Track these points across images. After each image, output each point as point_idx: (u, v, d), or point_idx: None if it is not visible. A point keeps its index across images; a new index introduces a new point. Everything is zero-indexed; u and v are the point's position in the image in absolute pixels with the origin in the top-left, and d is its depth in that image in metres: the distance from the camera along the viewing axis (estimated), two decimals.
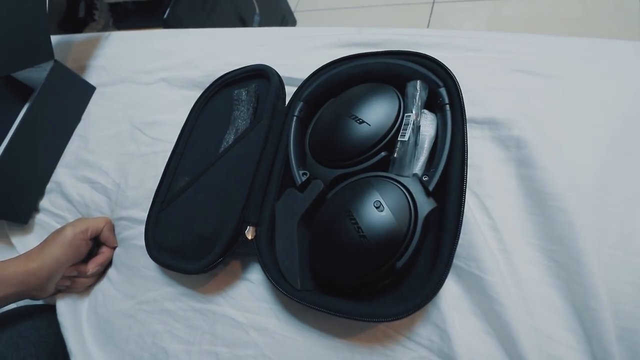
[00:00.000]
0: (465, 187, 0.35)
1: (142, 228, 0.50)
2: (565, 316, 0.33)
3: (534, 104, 0.41)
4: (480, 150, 0.41)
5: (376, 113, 0.39)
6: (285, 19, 1.59)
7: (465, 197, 0.35)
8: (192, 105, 0.57)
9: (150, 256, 0.47)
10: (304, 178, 0.42)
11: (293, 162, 0.43)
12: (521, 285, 0.35)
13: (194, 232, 0.45)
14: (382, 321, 0.34)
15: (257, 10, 1.38)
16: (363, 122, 0.39)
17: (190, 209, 0.47)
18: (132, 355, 0.45)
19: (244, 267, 0.45)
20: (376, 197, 0.35)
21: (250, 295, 0.43)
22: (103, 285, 0.52)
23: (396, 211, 0.35)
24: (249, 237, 0.42)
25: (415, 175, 0.37)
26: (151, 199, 0.50)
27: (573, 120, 0.39)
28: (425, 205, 0.35)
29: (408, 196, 0.35)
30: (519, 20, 1.24)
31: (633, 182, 0.36)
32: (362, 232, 0.34)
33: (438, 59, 0.41)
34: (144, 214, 0.51)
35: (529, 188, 0.37)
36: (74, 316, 0.50)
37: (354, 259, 0.35)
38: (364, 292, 0.37)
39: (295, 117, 0.45)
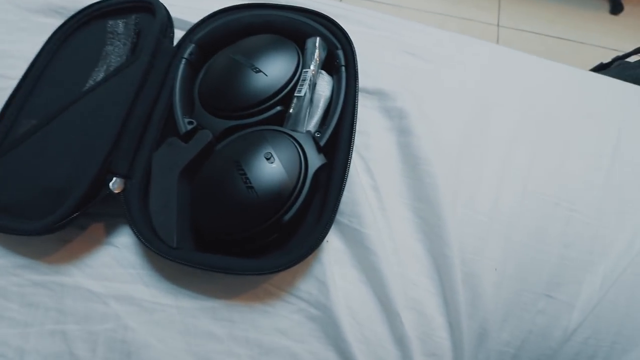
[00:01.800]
0: (353, 145, 0.36)
1: None
2: (426, 265, 0.38)
3: (415, 81, 0.46)
4: (369, 119, 0.44)
5: (275, 64, 0.38)
6: None
7: (352, 154, 0.36)
8: (48, 36, 0.46)
9: None
10: (189, 127, 0.38)
11: (178, 108, 0.38)
12: (394, 238, 0.39)
13: (39, 184, 0.37)
14: (264, 273, 0.34)
15: None
16: (260, 71, 0.37)
17: (35, 157, 0.38)
18: None
19: (108, 230, 0.39)
20: (267, 148, 0.34)
21: (112, 262, 0.37)
22: None
23: (287, 164, 0.34)
24: (116, 190, 0.36)
25: (308, 131, 0.37)
26: None
27: (443, 99, 0.46)
28: (315, 160, 0.36)
29: (300, 150, 0.35)
30: None
31: (480, 154, 0.43)
32: (250, 183, 0.33)
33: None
34: None
35: (406, 154, 0.42)
36: None
37: (240, 212, 0.33)
38: (249, 249, 0.35)
39: (184, 60, 0.41)
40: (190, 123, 0.38)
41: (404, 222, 0.40)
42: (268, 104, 0.38)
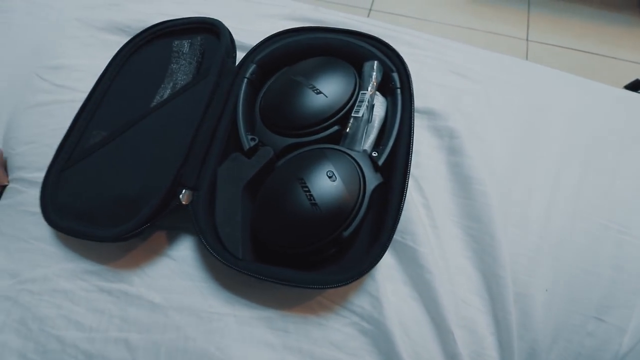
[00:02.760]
0: (410, 166, 0.38)
1: (34, 191, 0.41)
2: (476, 283, 0.39)
3: (465, 102, 0.47)
4: (420, 137, 0.45)
5: (334, 86, 0.40)
6: None
7: (409, 175, 0.37)
8: (114, 52, 0.49)
9: (47, 221, 0.38)
10: (252, 143, 0.40)
11: (241, 125, 0.41)
12: (445, 256, 0.39)
13: (113, 193, 0.39)
14: (326, 288, 0.35)
15: None
16: (320, 92, 0.39)
17: (108, 167, 0.40)
18: (8, 347, 0.36)
19: (166, 242, 0.41)
20: (329, 166, 0.36)
21: (171, 274, 0.39)
22: None
23: (347, 182, 0.36)
24: (184, 201, 0.38)
25: (365, 151, 0.39)
26: (50, 158, 0.42)
27: (493, 120, 0.47)
28: (373, 179, 0.37)
29: (358, 169, 0.37)
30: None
31: (531, 174, 0.44)
32: (314, 199, 0.34)
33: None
34: (38, 175, 0.42)
35: (457, 173, 0.43)
36: None
37: (304, 227, 0.35)
38: (307, 262, 0.37)
39: (246, 79, 0.43)
40: (252, 140, 0.40)
41: (455, 240, 0.40)
42: (327, 123, 0.39)
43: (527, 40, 1.45)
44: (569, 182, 0.44)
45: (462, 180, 0.42)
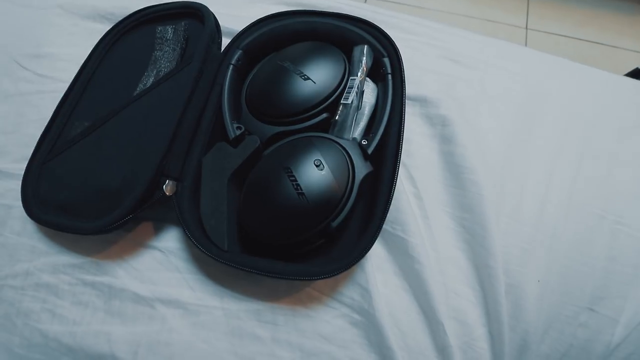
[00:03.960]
0: (401, 155, 0.37)
1: (14, 183, 0.40)
2: (467, 274, 0.38)
3: (458, 89, 0.46)
4: (411, 125, 0.44)
5: (322, 72, 0.38)
6: None
7: (399, 164, 0.36)
8: (97, 40, 0.47)
9: (28, 214, 0.37)
10: (238, 132, 0.39)
11: (227, 113, 0.39)
12: (436, 247, 0.39)
13: (95, 184, 0.38)
14: (314, 279, 0.34)
15: None
16: (308, 78, 0.38)
17: (90, 158, 0.39)
18: None
19: (151, 234, 0.40)
20: (317, 155, 0.35)
21: (158, 266, 0.38)
22: None
23: (336, 171, 0.35)
24: (168, 192, 0.37)
25: (354, 139, 0.38)
26: (30, 149, 0.40)
27: (487, 107, 0.45)
28: (362, 168, 0.36)
29: (347, 158, 0.36)
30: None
31: (525, 164, 0.43)
32: (301, 189, 0.33)
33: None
34: (17, 166, 0.41)
35: (449, 162, 0.42)
36: None
37: (291, 217, 0.34)
38: (295, 253, 0.36)
39: (231, 66, 0.41)
40: (239, 128, 0.39)
41: (447, 230, 0.40)
42: (315, 110, 0.38)
43: (526, 28, 1.42)
44: (564, 171, 0.43)
45: (454, 169, 0.41)
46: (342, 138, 0.37)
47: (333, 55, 0.40)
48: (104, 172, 0.38)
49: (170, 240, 0.39)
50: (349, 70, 0.40)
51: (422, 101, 0.45)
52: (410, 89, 0.45)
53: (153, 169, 0.36)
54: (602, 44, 1.40)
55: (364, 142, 0.37)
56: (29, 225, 0.40)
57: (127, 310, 0.37)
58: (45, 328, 0.36)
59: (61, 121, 0.42)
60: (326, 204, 0.34)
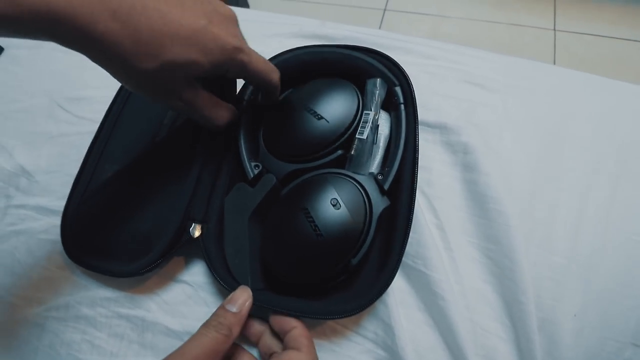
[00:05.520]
0: (416, 187, 0.36)
1: (54, 220, 0.42)
2: (496, 309, 0.37)
3: (480, 114, 0.44)
4: (431, 153, 0.43)
5: (335, 110, 0.39)
6: None
7: (415, 197, 0.36)
8: None
9: (68, 255, 0.40)
10: (255, 171, 0.39)
11: (244, 153, 0.40)
12: (461, 281, 0.37)
13: (127, 229, 0.40)
14: (336, 318, 0.34)
15: None
16: (322, 118, 0.38)
17: (120, 203, 0.42)
18: None
19: (181, 268, 0.41)
20: (333, 194, 0.35)
21: (187, 300, 0.40)
22: None
23: (352, 209, 0.35)
24: (195, 235, 0.38)
25: (370, 173, 0.37)
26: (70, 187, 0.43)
27: (511, 133, 0.43)
28: (379, 203, 0.36)
29: (364, 194, 0.36)
30: (457, 38, 1.35)
31: (555, 190, 0.41)
32: (319, 230, 0.34)
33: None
34: (58, 204, 0.44)
35: (472, 191, 0.40)
36: None
37: (310, 258, 0.34)
38: (317, 290, 0.36)
39: (245, 102, 0.42)
40: (256, 167, 0.40)
41: (472, 262, 0.38)
42: (329, 148, 0.38)
43: (554, 30, 1.36)
44: (597, 195, 0.40)
45: (478, 199, 0.40)
46: (358, 173, 0.37)
47: (345, 91, 0.40)
48: (134, 217, 0.40)
49: (199, 275, 0.41)
50: (363, 103, 0.40)
51: (442, 128, 0.44)
52: (430, 116, 0.44)
53: (180, 214, 0.38)
54: (637, 41, 1.31)
55: (379, 177, 0.37)
56: (68, 259, 0.42)
57: (159, 343, 0.38)
58: (86, 358, 0.38)
59: (92, 164, 0.44)
60: (345, 242, 0.34)
